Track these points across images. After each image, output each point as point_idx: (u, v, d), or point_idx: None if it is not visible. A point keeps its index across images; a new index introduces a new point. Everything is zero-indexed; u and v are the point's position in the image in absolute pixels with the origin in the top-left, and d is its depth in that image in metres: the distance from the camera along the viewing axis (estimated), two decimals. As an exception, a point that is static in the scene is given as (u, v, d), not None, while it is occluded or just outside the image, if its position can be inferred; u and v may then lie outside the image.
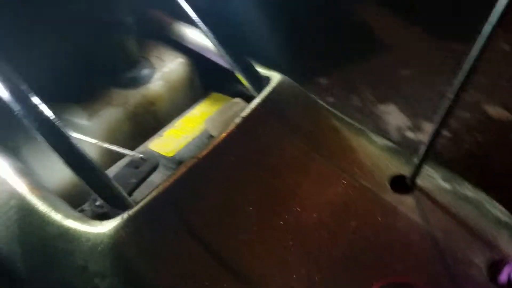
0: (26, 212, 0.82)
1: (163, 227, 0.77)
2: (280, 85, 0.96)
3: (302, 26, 2.06)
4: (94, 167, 0.79)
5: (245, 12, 1.71)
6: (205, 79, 1.21)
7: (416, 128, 1.78)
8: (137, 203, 0.78)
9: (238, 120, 0.89)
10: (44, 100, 1.00)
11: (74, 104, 1.05)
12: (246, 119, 0.90)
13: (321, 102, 1.02)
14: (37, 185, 0.83)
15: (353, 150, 0.90)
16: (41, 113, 0.77)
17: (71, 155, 0.78)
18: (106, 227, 0.74)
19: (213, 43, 0.98)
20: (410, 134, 1.75)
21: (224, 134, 0.88)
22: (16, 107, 0.76)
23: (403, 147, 0.95)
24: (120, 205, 0.78)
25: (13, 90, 0.76)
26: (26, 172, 0.86)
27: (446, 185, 0.85)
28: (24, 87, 0.78)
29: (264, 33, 1.84)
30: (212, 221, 0.80)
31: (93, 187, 0.78)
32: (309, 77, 2.02)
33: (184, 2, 0.96)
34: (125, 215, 0.75)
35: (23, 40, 0.94)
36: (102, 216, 0.81)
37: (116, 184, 0.80)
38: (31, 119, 0.77)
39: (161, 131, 1.09)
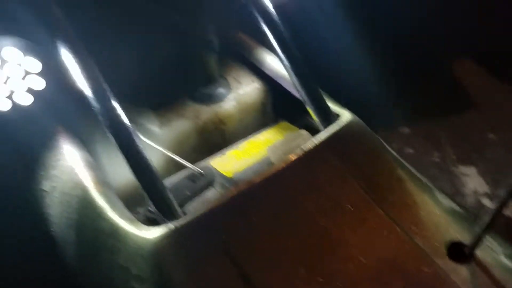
0: (86, 204, 0.87)
1: (205, 245, 0.78)
2: (348, 125, 0.94)
3: (393, 73, 2.00)
4: (153, 174, 0.82)
5: (337, 49, 1.71)
6: (277, 106, 1.22)
7: (494, 196, 1.65)
8: (186, 216, 0.80)
9: (299, 152, 0.89)
10: (123, 101, 1.08)
11: (150, 110, 1.10)
12: (307, 153, 0.89)
13: (390, 149, 0.99)
14: (100, 181, 0.89)
15: (414, 205, 0.86)
16: (115, 115, 0.82)
17: (135, 158, 0.82)
18: (152, 234, 0.76)
19: (288, 72, 0.99)
20: (486, 201, 1.63)
21: (283, 164, 0.88)
22: (95, 104, 0.82)
23: (470, 213, 0.89)
24: (170, 215, 0.81)
25: (94, 88, 0.82)
26: (94, 166, 0.92)
27: (508, 263, 0.78)
28: (104, 86, 0.83)
29: (352, 71, 1.83)
30: (255, 252, 0.79)
31: (149, 193, 0.81)
32: (391, 125, 1.96)
33: (267, 28, 0.98)
34: (172, 225, 0.77)
35: (112, 43, 1.01)
36: (152, 222, 0.84)
37: (169, 195, 0.82)
38: (105, 118, 0.82)
39: (224, 149, 1.11)
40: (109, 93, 0.83)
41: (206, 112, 1.12)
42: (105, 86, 0.84)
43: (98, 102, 0.82)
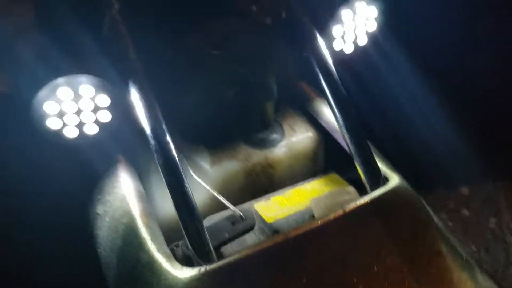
0: (130, 232, 0.93)
1: (234, 292, 0.80)
2: (395, 190, 0.93)
3: (462, 130, 1.93)
4: (194, 215, 0.86)
5: (402, 103, 1.70)
6: (328, 158, 1.23)
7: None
8: (219, 259, 0.83)
9: (341, 211, 0.89)
10: (182, 139, 1.15)
11: (205, 149, 1.15)
12: (349, 213, 0.89)
13: (436, 220, 0.96)
14: (147, 213, 0.94)
15: (451, 283, 0.82)
16: (167, 153, 0.88)
17: (179, 196, 0.87)
18: (183, 273, 0.79)
19: (339, 127, 1.00)
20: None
21: (323, 221, 0.88)
22: (151, 141, 0.89)
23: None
24: (204, 256, 0.84)
25: (152, 127, 0.89)
26: (143, 198, 0.98)
27: None
28: (162, 126, 0.90)
29: (418, 126, 1.80)
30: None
31: (186, 232, 0.85)
32: (451, 183, 1.90)
33: (323, 81, 1.01)
34: (203, 268, 0.79)
35: (178, 86, 1.08)
36: (187, 260, 0.88)
37: (206, 235, 0.86)
38: (158, 154, 0.88)
39: (270, 194, 1.13)
40: (165, 133, 0.89)
41: (256, 155, 1.16)
42: (163, 125, 0.90)
43: (154, 139, 0.88)
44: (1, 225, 1.18)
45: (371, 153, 0.99)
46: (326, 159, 1.24)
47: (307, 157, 1.21)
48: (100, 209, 1.02)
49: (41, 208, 1.15)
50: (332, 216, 0.88)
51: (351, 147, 0.98)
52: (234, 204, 1.10)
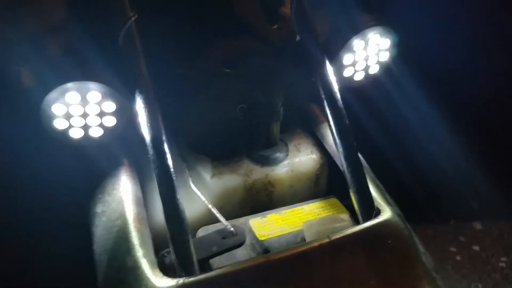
0: (121, 235, 0.96)
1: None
2: (385, 224, 0.93)
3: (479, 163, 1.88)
4: (182, 224, 0.88)
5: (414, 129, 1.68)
6: (330, 182, 1.23)
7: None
8: (201, 273, 0.85)
9: (330, 238, 0.89)
10: (188, 149, 1.18)
11: (208, 160, 1.18)
12: (335, 241, 0.89)
13: (425, 259, 0.95)
14: (140, 218, 0.97)
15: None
16: (163, 161, 0.90)
17: (169, 206, 0.89)
18: (162, 283, 0.82)
19: (338, 155, 1.01)
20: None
21: (309, 246, 0.89)
22: (150, 149, 0.92)
23: None
24: (187, 268, 0.86)
25: (152, 135, 0.91)
26: (140, 203, 1.01)
27: None
28: (161, 135, 0.92)
29: (433, 153, 1.78)
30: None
31: (172, 241, 0.87)
32: (464, 216, 1.86)
33: (327, 106, 1.01)
34: (181, 280, 0.82)
35: (188, 99, 1.11)
36: (172, 270, 0.90)
37: (191, 248, 0.88)
38: (154, 163, 0.90)
39: (266, 212, 1.15)
40: (164, 144, 0.92)
41: (258, 172, 1.17)
42: (163, 136, 0.92)
43: (153, 148, 0.91)
44: (5, 220, 1.25)
45: (367, 184, 0.99)
46: (328, 183, 1.24)
47: (309, 179, 1.22)
48: (99, 208, 1.06)
49: (46, 202, 1.21)
50: (317, 243, 0.89)
51: (347, 176, 0.98)
52: (230, 218, 1.12)
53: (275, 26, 1.12)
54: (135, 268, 0.87)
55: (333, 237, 0.89)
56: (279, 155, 1.20)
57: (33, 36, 0.99)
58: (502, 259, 1.74)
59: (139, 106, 0.93)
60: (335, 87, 1.01)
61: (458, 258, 1.76)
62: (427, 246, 1.77)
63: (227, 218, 1.10)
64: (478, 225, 1.83)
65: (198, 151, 1.20)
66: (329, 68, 1.01)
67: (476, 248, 1.78)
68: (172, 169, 0.91)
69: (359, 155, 1.17)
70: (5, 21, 1.03)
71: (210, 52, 1.08)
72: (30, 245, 1.26)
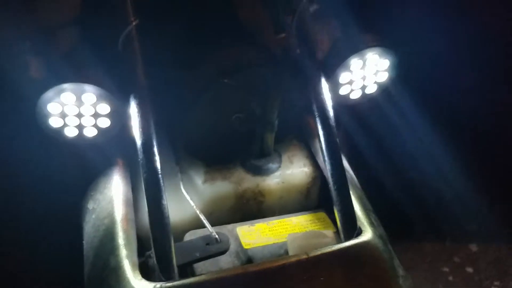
0: (107, 234, 0.99)
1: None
2: (364, 245, 0.93)
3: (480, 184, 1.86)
4: (165, 229, 0.90)
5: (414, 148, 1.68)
6: (321, 196, 1.24)
7: None
8: (180, 278, 0.87)
9: (309, 254, 0.90)
10: (183, 153, 1.20)
11: (202, 165, 1.20)
12: (315, 259, 0.90)
13: (402, 282, 0.95)
14: (127, 219, 1.00)
15: None
16: (151, 166, 0.91)
17: (155, 209, 0.90)
18: (139, 286, 0.84)
19: (325, 171, 1.01)
20: None
21: (289, 260, 0.91)
22: (139, 153, 0.93)
23: None
24: (166, 273, 0.88)
25: (142, 139, 0.93)
26: (128, 203, 1.04)
27: None
28: (152, 140, 0.94)
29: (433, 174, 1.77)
30: None
31: (154, 245, 0.89)
32: (461, 237, 1.85)
33: (318, 121, 1.02)
34: (159, 285, 0.84)
35: (185, 105, 1.13)
36: (152, 272, 0.93)
37: (172, 253, 0.89)
38: (143, 167, 0.92)
39: (255, 221, 1.16)
40: (154, 149, 0.93)
41: (249, 181, 1.18)
42: (154, 142, 0.94)
43: (143, 153, 0.93)
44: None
45: (351, 202, 0.99)
46: (319, 196, 1.25)
47: (299, 192, 1.23)
48: (90, 204, 1.09)
49: (39, 198, 1.24)
50: (295, 258, 0.90)
51: (333, 194, 0.99)
52: (219, 224, 1.14)
53: (282, 35, 1.13)
54: (117, 268, 0.90)
55: (311, 254, 0.90)
56: (271, 165, 1.21)
57: (45, 30, 1.02)
58: (496, 283, 1.72)
59: (133, 110, 0.95)
60: (329, 105, 1.02)
61: (450, 278, 1.75)
62: (420, 264, 1.78)
63: (216, 223, 1.12)
64: (474, 247, 1.82)
65: (192, 155, 1.22)
66: (325, 85, 1.02)
67: (470, 270, 1.77)
68: (160, 175, 0.93)
69: (351, 173, 1.18)
70: (21, 12, 1.06)
71: (209, 60, 1.09)
72: (24, 241, 1.30)
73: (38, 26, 1.03)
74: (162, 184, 0.93)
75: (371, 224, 1.00)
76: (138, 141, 0.94)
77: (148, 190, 0.92)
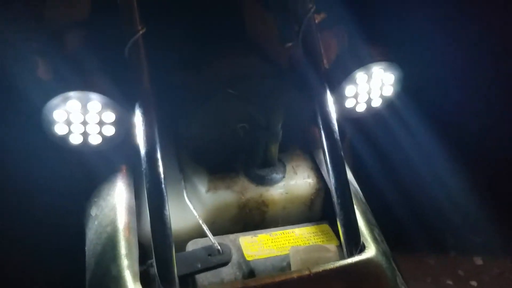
0: (110, 242, 0.99)
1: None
2: (367, 262, 0.93)
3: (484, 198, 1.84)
4: (167, 240, 0.90)
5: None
6: (325, 208, 1.23)
7: None
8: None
9: (307, 271, 0.90)
10: (188, 159, 1.19)
11: (206, 173, 1.19)
12: (317, 275, 0.90)
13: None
14: (129, 227, 1.00)
15: None
16: (154, 177, 0.92)
17: (157, 220, 0.91)
18: (139, 297, 0.84)
19: (330, 185, 1.01)
20: None
21: (291, 276, 0.90)
22: (143, 162, 0.93)
23: None
24: (167, 283, 0.88)
25: (146, 149, 0.93)
26: (131, 211, 1.04)
27: None
28: (156, 150, 0.94)
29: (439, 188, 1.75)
30: None
31: (155, 255, 0.89)
32: (466, 249, 1.83)
33: (323, 134, 1.02)
34: (159, 295, 0.84)
35: (188, 112, 1.13)
36: (153, 281, 0.92)
37: (173, 264, 0.89)
38: (146, 177, 0.92)
39: (258, 231, 1.15)
40: (158, 159, 0.93)
41: (253, 191, 1.18)
42: (158, 151, 0.93)
43: (146, 163, 0.93)
44: (3, 221, 1.29)
45: (355, 217, 0.98)
46: (322, 208, 1.24)
47: (303, 203, 1.22)
48: (93, 211, 1.09)
49: (44, 204, 1.25)
50: (297, 274, 0.89)
51: (336, 208, 0.99)
52: (222, 233, 1.14)
53: (289, 45, 1.12)
54: (118, 278, 0.90)
55: (314, 270, 0.89)
56: (275, 175, 1.20)
57: (51, 32, 1.03)
58: (501, 295, 1.71)
59: (138, 118, 0.95)
60: (333, 117, 1.01)
61: (453, 291, 1.74)
62: (424, 277, 1.76)
63: (219, 232, 1.12)
64: (479, 260, 1.80)
65: (196, 163, 1.21)
66: (329, 98, 1.01)
67: (474, 283, 1.75)
68: (163, 184, 0.93)
69: (355, 186, 1.17)
70: (29, 13, 1.07)
71: (213, 69, 1.09)
72: (28, 246, 1.31)
73: (44, 28, 1.04)
74: (165, 193, 0.93)
75: (375, 240, 0.99)
76: (142, 150, 0.94)
77: (151, 199, 0.92)
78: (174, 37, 1.10)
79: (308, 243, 1.11)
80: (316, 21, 1.06)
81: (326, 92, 1.01)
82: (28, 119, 0.96)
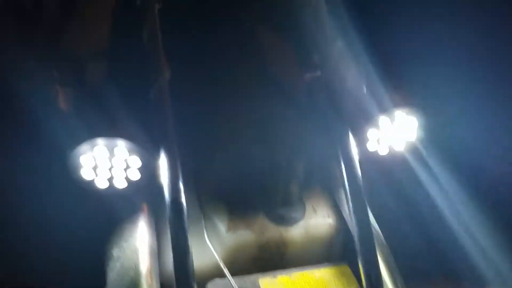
0: (132, 287, 0.99)
1: None
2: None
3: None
4: (190, 282, 0.90)
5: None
6: (346, 249, 1.22)
7: None
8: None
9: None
10: (208, 198, 1.20)
11: (226, 212, 1.20)
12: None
13: None
14: (153, 272, 1.00)
15: None
16: (179, 222, 0.93)
17: (180, 262, 0.91)
18: None
19: (351, 226, 1.01)
20: None
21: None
22: (167, 206, 0.94)
23: None
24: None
25: (171, 193, 0.94)
26: (153, 255, 1.04)
27: None
28: (180, 193, 0.95)
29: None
30: None
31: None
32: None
33: (345, 176, 1.02)
34: None
35: (212, 154, 1.14)
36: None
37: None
38: (170, 222, 0.93)
39: (278, 272, 1.15)
40: (182, 202, 0.95)
41: (272, 230, 1.18)
42: (182, 195, 0.95)
43: (171, 208, 0.94)
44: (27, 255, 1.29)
45: (377, 264, 0.98)
46: (343, 248, 1.23)
47: (323, 243, 1.22)
48: (115, 251, 1.10)
49: (68, 243, 1.25)
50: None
51: (358, 252, 0.99)
52: (241, 272, 1.13)
53: (309, 75, 1.12)
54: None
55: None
56: (295, 215, 1.20)
57: (74, 62, 1.05)
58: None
59: (163, 164, 0.96)
60: (355, 160, 1.02)
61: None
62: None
63: (238, 272, 1.11)
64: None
65: (216, 202, 1.22)
66: (352, 141, 1.02)
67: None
68: (186, 231, 0.93)
69: (376, 228, 1.16)
70: (49, 43, 1.09)
71: (235, 111, 1.11)
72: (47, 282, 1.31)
73: (66, 58, 1.06)
74: (188, 240, 0.93)
75: (395, 283, 0.99)
76: (167, 194, 0.95)
77: (175, 241, 0.92)
78: (196, 79, 1.11)
79: (329, 287, 1.11)
80: (339, 54, 1.07)
81: (348, 134, 1.02)
82: (51, 159, 0.97)
